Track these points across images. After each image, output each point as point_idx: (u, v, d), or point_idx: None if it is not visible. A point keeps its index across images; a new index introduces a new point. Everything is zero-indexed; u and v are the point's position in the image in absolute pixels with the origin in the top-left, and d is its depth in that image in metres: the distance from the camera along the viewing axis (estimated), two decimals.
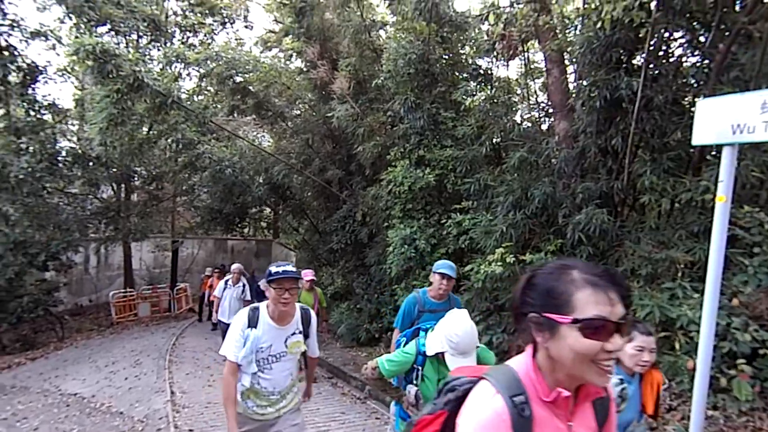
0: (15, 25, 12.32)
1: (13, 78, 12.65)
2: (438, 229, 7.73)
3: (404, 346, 2.81)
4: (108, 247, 16.96)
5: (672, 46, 5.53)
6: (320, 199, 13.13)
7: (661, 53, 5.39)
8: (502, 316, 6.06)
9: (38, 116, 13.19)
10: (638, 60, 5.55)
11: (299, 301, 5.86)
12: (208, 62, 11.06)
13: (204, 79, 14.27)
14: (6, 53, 12.23)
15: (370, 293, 9.76)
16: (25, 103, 12.95)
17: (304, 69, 12.19)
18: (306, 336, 2.86)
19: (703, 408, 2.56)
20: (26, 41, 12.79)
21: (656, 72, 5.25)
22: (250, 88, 11.85)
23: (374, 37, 10.66)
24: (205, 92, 16.90)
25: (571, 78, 6.75)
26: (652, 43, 5.05)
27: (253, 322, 2.68)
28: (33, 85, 12.89)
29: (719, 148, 2.58)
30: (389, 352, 3.27)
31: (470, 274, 6.20)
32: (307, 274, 6.89)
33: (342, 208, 11.11)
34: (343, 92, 9.48)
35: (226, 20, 17.99)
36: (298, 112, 13.85)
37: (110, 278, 18.35)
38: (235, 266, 8.00)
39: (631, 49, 5.46)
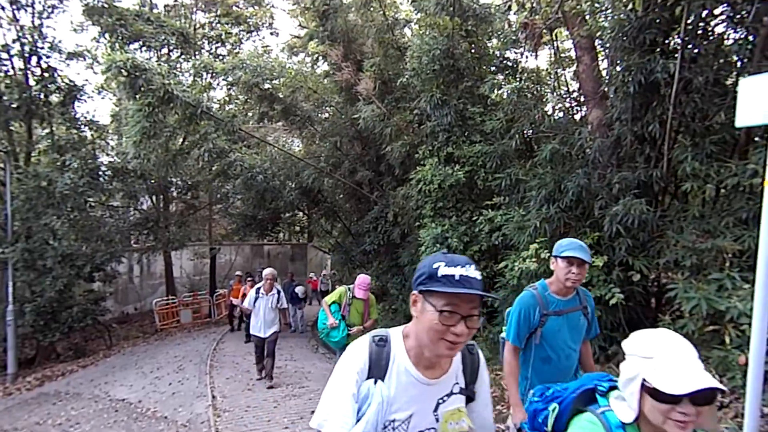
0: (54, 47, 12.97)
1: (54, 98, 13.33)
2: (470, 226, 7.61)
3: (554, 418, 1.57)
4: (149, 257, 17.65)
5: (711, 23, 5.20)
6: (351, 201, 13.21)
7: (699, 32, 5.07)
8: None
9: (79, 133, 13.86)
10: (674, 41, 5.26)
11: (348, 305, 5.65)
12: (236, 71, 11.30)
13: (232, 88, 14.60)
14: (47, 75, 12.90)
15: (404, 293, 9.72)
16: (66, 122, 13.62)
17: (330, 72, 12.29)
18: (470, 397, 1.51)
19: (758, 405, 2.42)
20: (65, 62, 13.47)
21: (695, 52, 4.96)
22: (278, 94, 12.04)
23: (398, 36, 10.64)
24: (235, 101, 17.30)
25: (603, 65, 6.49)
26: (689, 21, 4.77)
27: (378, 369, 1.40)
28: (73, 104, 13.53)
29: (767, 128, 2.40)
30: None
31: (505, 271, 6.07)
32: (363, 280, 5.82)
33: (373, 209, 11.13)
34: (368, 93, 9.48)
35: (252, 29, 18.42)
36: (326, 115, 13.97)
37: (153, 287, 19.06)
38: (267, 271, 7.13)
39: (666, 29, 5.17)
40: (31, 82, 12.87)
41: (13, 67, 12.82)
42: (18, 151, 13.27)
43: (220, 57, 16.78)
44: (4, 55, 12.61)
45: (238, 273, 13.66)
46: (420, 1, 8.90)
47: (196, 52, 16.17)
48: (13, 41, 12.61)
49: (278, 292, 7.03)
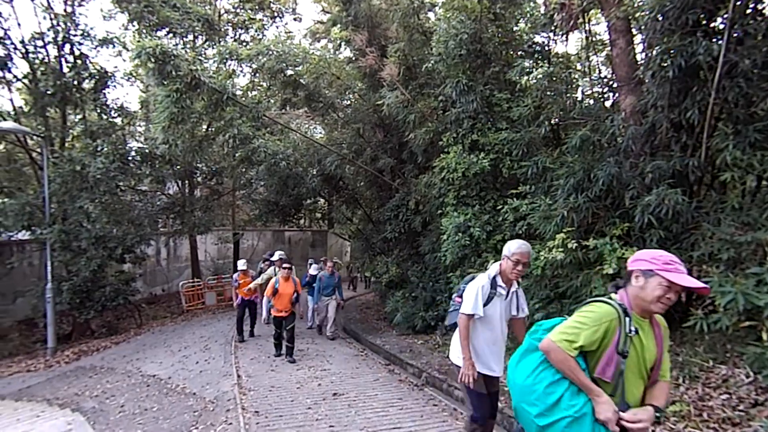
0: (86, 34, 13.24)
1: (86, 84, 13.65)
2: (493, 215, 7.51)
3: None
4: (176, 240, 18.09)
5: (763, 1, 4.90)
6: (373, 188, 13.17)
7: (748, 11, 4.79)
8: (563, 304, 5.79)
9: (109, 119, 14.18)
10: (720, 21, 4.99)
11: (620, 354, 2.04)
12: (260, 57, 11.31)
13: (256, 75, 14.65)
14: (79, 61, 13.19)
15: (425, 281, 9.69)
16: (97, 108, 13.95)
17: (353, 58, 12.18)
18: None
19: None
20: (96, 49, 13.73)
21: (742, 33, 4.68)
22: (301, 80, 12.01)
23: (423, 20, 10.43)
24: (258, 87, 17.38)
25: (638, 49, 6.24)
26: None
27: None
28: (104, 90, 13.84)
29: None
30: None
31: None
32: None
33: (395, 197, 11.07)
34: (392, 79, 9.37)
35: (276, 14, 18.40)
36: (349, 102, 13.90)
37: (179, 269, 19.57)
38: (518, 245, 3.49)
39: (711, 9, 4.91)
40: (65, 69, 13.18)
41: (47, 55, 13.16)
42: (54, 136, 13.68)
43: (244, 43, 16.83)
44: (39, 43, 12.94)
45: (242, 262, 10.65)
46: None
47: (221, 39, 16.24)
48: (48, 29, 12.92)
49: (518, 286, 3.74)
